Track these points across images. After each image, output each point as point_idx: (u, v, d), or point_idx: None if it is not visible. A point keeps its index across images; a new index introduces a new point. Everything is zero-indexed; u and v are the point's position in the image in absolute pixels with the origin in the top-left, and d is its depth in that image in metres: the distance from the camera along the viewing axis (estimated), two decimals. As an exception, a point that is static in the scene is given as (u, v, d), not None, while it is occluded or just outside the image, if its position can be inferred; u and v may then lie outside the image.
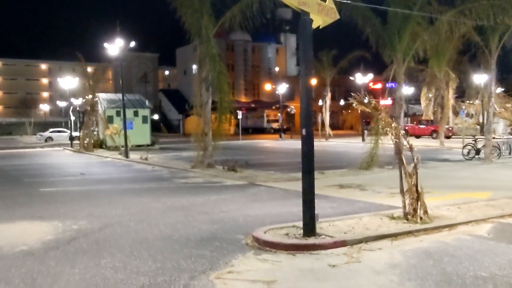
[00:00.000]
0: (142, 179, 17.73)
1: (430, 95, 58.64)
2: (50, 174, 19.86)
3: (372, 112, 9.69)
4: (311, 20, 8.04)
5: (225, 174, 18.35)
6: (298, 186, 15.40)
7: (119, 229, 9.20)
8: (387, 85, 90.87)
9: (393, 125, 9.46)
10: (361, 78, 44.07)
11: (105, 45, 28.21)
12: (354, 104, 9.38)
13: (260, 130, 78.03)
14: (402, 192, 9.32)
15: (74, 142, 40.69)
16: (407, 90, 62.27)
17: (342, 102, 77.28)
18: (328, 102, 48.45)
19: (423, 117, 60.49)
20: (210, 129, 20.59)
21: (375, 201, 12.00)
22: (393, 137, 9.41)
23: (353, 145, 40.43)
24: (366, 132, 45.39)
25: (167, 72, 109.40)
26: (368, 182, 15.76)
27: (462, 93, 59.11)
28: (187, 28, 20.37)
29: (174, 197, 13.05)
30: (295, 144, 44.50)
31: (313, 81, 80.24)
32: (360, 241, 7.78)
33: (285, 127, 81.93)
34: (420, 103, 73.84)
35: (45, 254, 7.50)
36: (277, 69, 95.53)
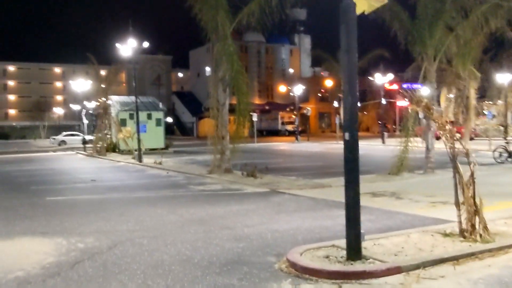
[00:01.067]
0: (156, 186, 16.58)
1: (451, 96, 57.15)
2: (59, 181, 18.80)
3: (427, 114, 8.39)
4: (354, 4, 6.82)
5: (244, 180, 17.15)
6: (326, 194, 14.30)
7: (131, 248, 8.02)
8: (403, 85, 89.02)
9: (447, 127, 8.15)
10: (381, 78, 42.50)
11: (118, 45, 27.21)
12: (407, 102, 8.06)
13: (274, 132, 76.79)
14: (457, 205, 8.01)
15: (87, 145, 39.81)
16: (425, 90, 60.67)
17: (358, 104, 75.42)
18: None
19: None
20: (227, 132, 19.42)
21: (417, 212, 10.69)
22: (447, 140, 8.11)
23: (373, 147, 39.03)
24: (385, 134, 44.06)
25: (180, 75, 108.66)
26: (402, 189, 14.45)
27: (483, 94, 57.19)
28: (203, 26, 19.21)
29: (191, 207, 11.86)
30: (313, 147, 43.53)
31: (329, 82, 78.88)
32: (417, 267, 6.49)
33: (300, 129, 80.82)
34: (437, 104, 72.47)
35: (43, 283, 6.34)
36: (291, 70, 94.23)
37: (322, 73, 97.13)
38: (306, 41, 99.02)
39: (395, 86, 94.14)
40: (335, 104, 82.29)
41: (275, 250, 7.67)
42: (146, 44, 26.96)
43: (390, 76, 43.41)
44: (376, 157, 29.31)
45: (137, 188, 16.17)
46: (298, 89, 53.57)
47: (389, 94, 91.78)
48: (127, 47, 26.92)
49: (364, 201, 12.53)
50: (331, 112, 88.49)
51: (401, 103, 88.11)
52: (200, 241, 8.37)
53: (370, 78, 49.81)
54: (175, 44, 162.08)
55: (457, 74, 51.27)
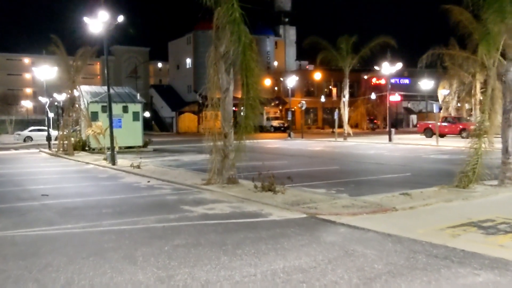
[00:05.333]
0: (133, 207, 11.37)
1: (453, 89, 52.81)
2: (-1, 195, 13.48)
3: None
4: None
5: (259, 195, 12.14)
6: (402, 226, 8.57)
7: None
8: (392, 80, 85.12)
9: None
10: (388, 68, 37.79)
11: (86, 19, 21.86)
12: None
13: (258, 128, 71.86)
14: None
15: (53, 142, 34.26)
16: (426, 84, 56.34)
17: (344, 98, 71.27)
18: (347, 96, 42.19)
19: (441, 114, 54.56)
20: (232, 128, 14.38)
21: None
22: None
23: (381, 146, 34.34)
24: (393, 131, 39.52)
25: (160, 65, 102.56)
26: (505, 212, 9.66)
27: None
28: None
29: (197, 265, 6.68)
30: (310, 145, 38.36)
31: (317, 75, 74.29)
32: None
33: (285, 125, 75.92)
34: (435, 99, 68.26)
35: None
36: (275, 63, 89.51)
37: (307, 67, 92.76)
38: (291, 33, 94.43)
39: (382, 81, 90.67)
40: (322, 99, 77.95)
41: None
42: (121, 18, 21.68)
43: (399, 65, 38.65)
44: (397, 158, 24.57)
45: (105, 211, 10.89)
46: (291, 81, 48.53)
47: (378, 89, 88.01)
48: (97, 21, 21.57)
49: (466, 241, 7.74)
50: (317, 107, 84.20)
51: (393, 98, 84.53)
52: None
53: (376, 68, 45.05)
54: (153, 34, 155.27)
55: (455, 66, 46.94)
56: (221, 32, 14.13)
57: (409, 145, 34.98)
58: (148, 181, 16.01)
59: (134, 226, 9.06)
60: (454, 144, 34.08)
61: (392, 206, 10.41)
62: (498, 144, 14.35)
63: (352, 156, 26.13)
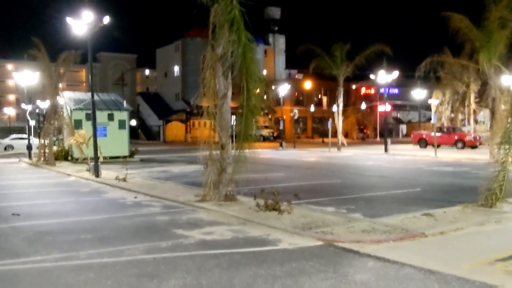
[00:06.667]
0: (118, 231, 9.76)
1: (446, 99, 51.77)
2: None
3: None
4: None
5: (263, 216, 10.62)
6: (438, 257, 6.88)
7: None
8: (381, 90, 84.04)
9: None
10: (384, 77, 36.57)
11: (68, 20, 20.23)
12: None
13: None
14: None
15: (34, 151, 32.38)
16: (420, 93, 55.22)
17: (334, 108, 70.14)
18: (341, 105, 40.86)
19: (434, 124, 53.42)
20: (229, 138, 12.87)
21: None
22: None
23: (378, 157, 33.09)
24: (389, 141, 38.23)
25: (147, 72, 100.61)
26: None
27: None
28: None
29: None
30: (304, 155, 36.62)
31: (308, 84, 73.17)
32: None
33: (275, 134, 74.43)
34: (426, 109, 67.21)
35: None
36: (265, 72, 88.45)
37: (296, 76, 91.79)
38: (280, 41, 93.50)
39: (372, 91, 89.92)
40: (312, 108, 76.79)
41: None
42: (107, 20, 20.09)
43: (396, 73, 37.43)
44: (399, 171, 23.23)
45: (84, 236, 9.20)
46: (283, 90, 47.16)
47: (368, 99, 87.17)
48: (81, 22, 19.98)
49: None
50: (307, 116, 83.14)
51: (383, 108, 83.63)
52: None
53: (371, 76, 43.86)
54: (141, 41, 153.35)
55: (449, 76, 45.92)
56: (218, 31, 12.66)
57: (406, 156, 33.76)
58: (135, 197, 14.40)
59: (118, 259, 7.46)
60: (452, 155, 32.95)
61: (420, 232, 8.95)
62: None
63: (351, 168, 24.74)
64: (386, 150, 36.37)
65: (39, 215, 11.57)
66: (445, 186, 16.92)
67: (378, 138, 78.51)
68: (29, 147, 33.16)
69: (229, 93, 12.81)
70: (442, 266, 6.91)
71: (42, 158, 28.43)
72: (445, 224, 9.72)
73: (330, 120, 42.26)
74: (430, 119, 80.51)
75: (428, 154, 34.10)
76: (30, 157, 32.05)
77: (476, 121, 52.98)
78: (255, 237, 8.95)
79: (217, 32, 12.71)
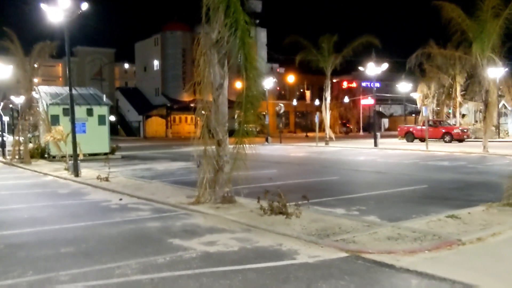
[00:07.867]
0: (104, 242, 8.33)
1: (431, 92, 51.11)
2: None
3: None
4: None
5: (269, 221, 9.35)
6: (487, 269, 4.69)
7: None
8: (363, 84, 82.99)
9: None
10: (373, 69, 35.53)
11: (43, 6, 18.62)
12: None
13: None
14: None
15: (8, 149, 30.56)
16: (405, 87, 54.46)
17: (317, 102, 69.20)
18: (329, 98, 39.68)
19: (420, 118, 52.90)
20: (227, 134, 11.58)
21: None
22: None
23: (368, 151, 32.11)
24: (378, 135, 37.28)
25: (126, 66, 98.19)
26: None
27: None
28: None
29: None
30: (292, 150, 35.19)
31: (291, 78, 72.03)
32: None
33: (258, 129, 73.26)
34: (411, 102, 66.69)
35: None
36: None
37: (278, 70, 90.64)
38: (262, 35, 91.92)
39: (354, 84, 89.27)
40: (294, 102, 75.65)
41: None
42: (85, 6, 18.54)
43: (385, 65, 36.43)
44: (395, 166, 22.18)
45: (65, 250, 7.72)
46: (268, 83, 45.83)
47: (351, 93, 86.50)
48: (58, 9, 18.38)
49: None
50: (289, 110, 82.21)
51: (366, 101, 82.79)
52: None
53: (360, 68, 42.82)
54: (119, 35, 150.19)
55: (435, 69, 45.16)
56: (213, 14, 11.30)
57: (396, 150, 32.82)
58: (120, 199, 12.98)
59: (107, 281, 6.08)
60: (442, 148, 32.17)
61: (456, 238, 7.78)
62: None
63: (344, 164, 23.61)
64: (375, 144, 35.40)
65: (12, 223, 10.09)
66: (451, 183, 15.89)
67: (361, 132, 77.83)
68: (3, 144, 31.29)
69: (226, 83, 11.49)
70: (501, 284, 5.74)
71: (17, 156, 26.73)
72: (477, 228, 8.60)
73: (318, 113, 41.16)
74: (413, 113, 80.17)
75: (418, 148, 33.29)
76: (3, 155, 30.24)
77: (461, 114, 52.45)
78: (266, 247, 7.67)
79: (211, 15, 11.36)
